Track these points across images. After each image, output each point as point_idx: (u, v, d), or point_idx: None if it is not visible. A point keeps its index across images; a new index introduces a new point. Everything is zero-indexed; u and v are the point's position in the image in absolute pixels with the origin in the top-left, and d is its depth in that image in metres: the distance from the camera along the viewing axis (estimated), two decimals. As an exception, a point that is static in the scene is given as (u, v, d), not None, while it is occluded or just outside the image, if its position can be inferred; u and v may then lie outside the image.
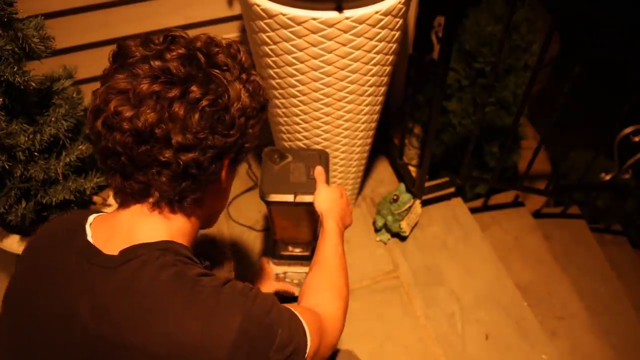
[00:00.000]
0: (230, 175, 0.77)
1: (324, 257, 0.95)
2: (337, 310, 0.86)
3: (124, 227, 0.68)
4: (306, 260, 1.43)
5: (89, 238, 0.68)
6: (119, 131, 0.62)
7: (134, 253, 0.65)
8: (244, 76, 0.70)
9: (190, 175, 0.66)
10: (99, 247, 0.67)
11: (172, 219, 0.70)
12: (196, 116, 0.63)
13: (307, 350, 0.69)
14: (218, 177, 0.71)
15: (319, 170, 1.13)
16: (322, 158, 1.18)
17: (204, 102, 0.63)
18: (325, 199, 1.06)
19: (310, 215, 1.25)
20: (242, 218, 1.74)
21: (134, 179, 0.65)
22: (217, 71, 0.66)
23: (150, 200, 0.68)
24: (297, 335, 0.68)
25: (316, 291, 0.89)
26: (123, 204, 0.70)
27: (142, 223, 0.68)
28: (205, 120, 0.64)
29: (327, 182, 1.13)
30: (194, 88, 0.63)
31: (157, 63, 0.63)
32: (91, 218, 0.72)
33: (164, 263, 0.64)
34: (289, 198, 1.13)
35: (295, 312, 0.71)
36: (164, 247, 0.67)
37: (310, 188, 1.11)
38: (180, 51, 0.65)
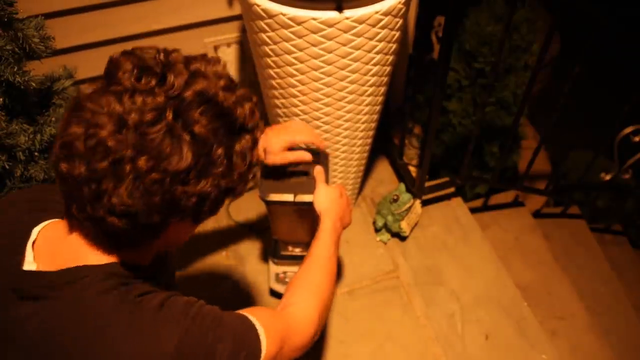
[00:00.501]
0: (184, 232, 0.69)
1: (313, 256, 0.95)
2: (312, 311, 0.85)
3: (71, 254, 0.64)
4: None
5: (27, 265, 0.63)
6: (58, 167, 0.57)
7: (74, 275, 0.62)
8: (220, 151, 0.60)
9: (117, 235, 0.60)
10: (42, 268, 0.63)
11: (117, 254, 0.65)
12: (132, 188, 0.55)
13: (263, 355, 0.68)
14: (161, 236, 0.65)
15: (318, 170, 1.12)
16: (322, 158, 1.18)
17: (147, 179, 0.55)
18: (325, 198, 1.06)
19: (310, 215, 1.25)
20: (242, 218, 1.74)
21: (70, 209, 0.60)
22: (187, 138, 0.56)
23: (89, 234, 0.63)
24: (247, 342, 0.67)
25: (296, 288, 0.89)
26: (69, 226, 0.65)
27: (87, 252, 0.64)
28: (142, 197, 0.56)
29: (327, 181, 1.13)
30: (141, 162, 0.54)
31: (122, 108, 0.55)
32: (35, 232, 0.67)
33: (105, 287, 0.61)
34: (289, 198, 1.13)
35: (250, 318, 0.70)
36: (110, 271, 0.63)
37: (310, 187, 1.11)
38: (156, 100, 0.55)
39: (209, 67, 0.62)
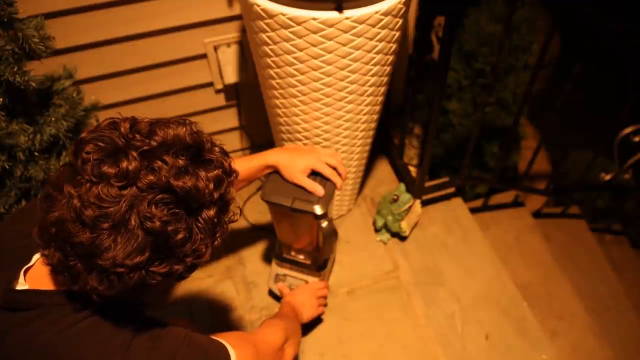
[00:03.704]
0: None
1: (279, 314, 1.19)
2: (278, 331, 1.01)
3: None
4: (307, 268, 1.43)
5: (20, 286, 0.68)
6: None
7: (54, 299, 0.67)
8: (180, 235, 0.61)
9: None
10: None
11: None
12: (101, 277, 0.61)
13: None
14: None
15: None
16: (329, 186, 1.16)
17: (110, 273, 0.60)
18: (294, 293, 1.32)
19: (309, 225, 1.25)
20: (250, 216, 1.74)
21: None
22: (141, 233, 0.58)
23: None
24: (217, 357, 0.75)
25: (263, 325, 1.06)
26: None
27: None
28: (111, 285, 0.62)
29: (329, 210, 1.15)
30: (101, 260, 0.58)
31: (79, 202, 0.57)
32: (34, 259, 0.71)
33: (78, 318, 0.67)
34: (287, 202, 1.13)
35: (220, 340, 0.77)
36: (84, 301, 0.67)
37: (310, 198, 1.12)
38: (111, 192, 0.56)
39: (170, 133, 0.61)
